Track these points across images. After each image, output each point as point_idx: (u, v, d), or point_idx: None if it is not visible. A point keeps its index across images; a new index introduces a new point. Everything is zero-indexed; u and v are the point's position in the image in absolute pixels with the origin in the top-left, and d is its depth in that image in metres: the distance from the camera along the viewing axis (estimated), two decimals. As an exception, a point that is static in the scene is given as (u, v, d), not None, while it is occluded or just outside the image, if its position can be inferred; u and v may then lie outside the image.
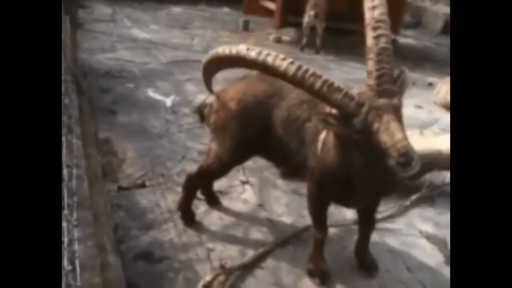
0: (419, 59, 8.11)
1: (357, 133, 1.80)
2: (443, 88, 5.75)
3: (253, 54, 1.84)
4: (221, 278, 2.45)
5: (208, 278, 2.38)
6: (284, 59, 1.79)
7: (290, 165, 2.57)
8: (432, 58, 8.42)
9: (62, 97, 2.62)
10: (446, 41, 10.10)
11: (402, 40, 9.21)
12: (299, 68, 1.77)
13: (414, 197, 3.38)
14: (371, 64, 1.81)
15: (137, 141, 3.95)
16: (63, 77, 3.13)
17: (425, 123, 4.97)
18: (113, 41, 7.08)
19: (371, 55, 1.80)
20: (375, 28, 1.81)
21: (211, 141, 2.77)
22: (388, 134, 1.69)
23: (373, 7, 1.83)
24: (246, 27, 8.89)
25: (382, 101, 1.76)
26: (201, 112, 2.77)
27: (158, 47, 7.05)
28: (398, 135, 1.68)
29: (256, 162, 3.44)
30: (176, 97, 5.06)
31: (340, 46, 7.73)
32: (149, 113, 4.58)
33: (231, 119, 2.53)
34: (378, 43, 1.79)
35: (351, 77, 6.27)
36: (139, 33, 7.75)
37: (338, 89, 1.77)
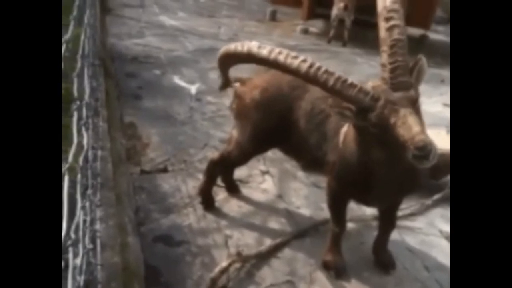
0: (449, 56, 7.92)
1: (374, 127, 1.77)
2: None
3: (264, 52, 1.83)
4: (237, 265, 2.48)
5: (224, 264, 2.41)
6: (295, 57, 1.77)
7: (309, 159, 2.56)
8: (463, 55, 8.19)
9: (90, 80, 2.67)
10: (478, 38, 9.82)
11: (433, 35, 9.00)
12: (311, 65, 1.75)
13: (436, 196, 3.32)
14: (384, 57, 1.77)
15: (161, 126, 4.00)
16: (91, 61, 3.19)
17: (452, 122, 4.86)
18: (141, 27, 7.16)
19: (385, 47, 1.77)
20: (387, 19, 1.76)
21: (233, 127, 2.79)
22: (405, 128, 1.66)
23: None
24: (273, 17, 8.84)
25: (398, 94, 1.73)
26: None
27: (185, 34, 7.09)
28: (415, 129, 1.64)
29: (276, 153, 3.44)
30: (201, 85, 5.09)
31: (368, 39, 7.61)
32: (174, 100, 4.63)
33: (253, 108, 2.54)
34: (392, 35, 1.75)
35: (377, 71, 6.16)
36: (167, 20, 7.80)
37: (352, 85, 1.74)
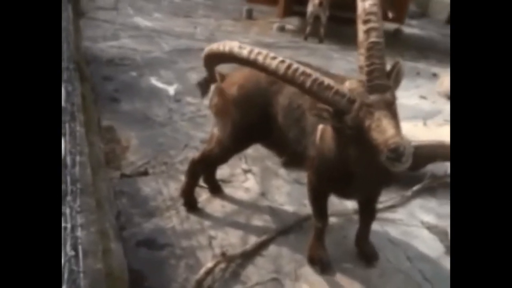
0: (424, 49, 8.05)
1: (350, 129, 1.80)
2: (447, 79, 5.71)
3: (244, 52, 1.85)
4: (222, 265, 2.47)
5: (209, 265, 2.40)
6: (274, 58, 1.79)
7: (290, 154, 2.58)
8: (437, 48, 8.35)
9: (65, 84, 2.62)
10: (451, 31, 10.02)
11: (407, 30, 9.13)
12: (289, 66, 1.77)
13: (416, 187, 3.38)
14: (362, 59, 1.80)
15: (140, 129, 3.96)
16: (66, 65, 3.13)
17: (429, 114, 4.95)
18: (116, 29, 7.05)
19: (362, 50, 1.79)
20: (365, 22, 1.79)
21: (214, 126, 2.79)
22: (379, 130, 1.69)
23: None
24: (249, 15, 8.83)
25: (374, 97, 1.75)
26: (201, 86, 2.75)
27: (161, 35, 7.02)
28: (390, 131, 1.67)
29: (258, 151, 3.45)
30: (179, 85, 5.05)
31: (344, 35, 7.67)
32: (152, 102, 4.58)
33: (232, 104, 2.54)
34: (369, 38, 1.77)
35: (355, 66, 6.22)
36: (142, 22, 7.71)
37: (329, 87, 1.77)
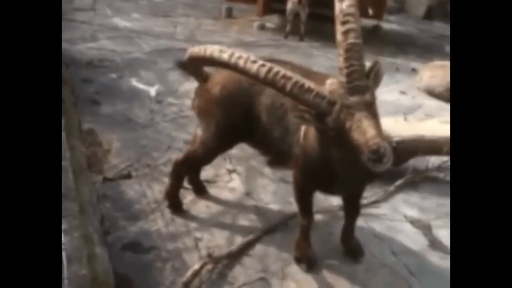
0: (403, 44, 8.15)
1: (331, 131, 1.82)
2: (425, 74, 5.80)
3: (225, 56, 1.85)
4: (209, 266, 2.46)
5: (196, 267, 2.39)
6: (254, 61, 1.80)
7: (275, 153, 2.59)
8: (415, 43, 8.47)
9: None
10: (429, 26, 10.18)
11: (386, 25, 9.23)
12: (269, 70, 1.78)
13: (398, 182, 3.42)
14: (341, 60, 1.81)
15: (122, 131, 3.91)
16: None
17: (409, 109, 5.02)
18: (94, 30, 6.95)
19: (341, 51, 1.81)
20: (343, 23, 1.80)
21: (197, 127, 2.77)
22: (360, 132, 1.71)
23: None
24: (229, 14, 8.81)
25: (354, 98, 1.77)
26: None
27: (140, 36, 6.95)
28: (370, 133, 1.69)
29: (243, 151, 3.45)
30: (160, 86, 5.00)
31: (325, 32, 7.71)
32: (133, 103, 4.53)
33: (215, 104, 2.53)
34: (347, 39, 1.79)
35: (335, 64, 6.25)
36: (121, 22, 7.62)
37: (309, 90, 1.78)
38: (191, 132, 3.69)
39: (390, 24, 9.79)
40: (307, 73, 2.37)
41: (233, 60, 1.82)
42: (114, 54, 5.96)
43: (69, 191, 2.49)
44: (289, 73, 1.79)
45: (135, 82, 5.09)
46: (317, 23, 7.84)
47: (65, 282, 1.87)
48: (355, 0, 1.82)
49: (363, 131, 1.70)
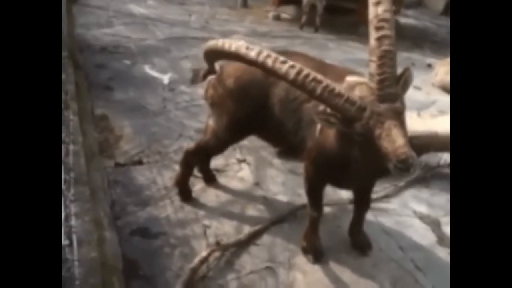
0: (419, 39, 8.05)
1: (358, 136, 1.80)
2: (441, 70, 5.73)
3: (252, 54, 1.81)
4: (217, 254, 2.49)
5: (204, 254, 2.41)
6: (284, 62, 1.77)
7: (287, 145, 2.58)
8: (432, 39, 8.36)
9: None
10: (446, 22, 10.01)
11: (403, 20, 9.12)
12: (299, 72, 1.75)
13: (409, 178, 3.40)
14: (373, 67, 1.78)
15: (134, 118, 3.94)
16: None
17: (423, 105, 4.97)
18: (109, 16, 6.99)
19: (374, 58, 1.77)
20: (378, 28, 1.76)
21: (209, 117, 2.78)
22: (389, 140, 1.70)
23: (377, 3, 1.77)
24: (244, 3, 8.78)
25: (384, 106, 1.75)
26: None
27: (155, 23, 6.96)
28: (399, 142, 1.69)
29: (253, 141, 3.45)
30: (173, 74, 5.02)
31: (340, 25, 7.65)
32: (146, 90, 4.56)
33: (229, 96, 2.52)
34: (381, 45, 1.75)
35: (350, 57, 6.23)
36: (136, 9, 7.64)
37: (339, 94, 1.75)
38: (203, 121, 3.71)
39: (407, 18, 9.66)
40: (324, 66, 2.36)
41: (261, 59, 1.79)
42: (128, 40, 5.99)
43: (80, 175, 2.52)
44: (319, 77, 1.76)
45: (148, 69, 5.11)
46: (333, 16, 7.77)
47: (75, 264, 1.90)
48: (391, 5, 1.77)
49: (392, 140, 1.69)
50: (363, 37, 7.48)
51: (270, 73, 1.82)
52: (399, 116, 1.77)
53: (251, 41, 6.51)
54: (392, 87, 1.77)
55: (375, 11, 1.77)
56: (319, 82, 1.75)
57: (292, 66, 1.75)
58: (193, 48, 5.89)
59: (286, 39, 6.94)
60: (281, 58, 1.78)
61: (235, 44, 1.87)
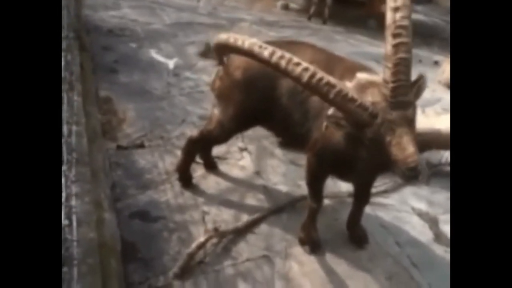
0: (427, 36, 7.97)
1: (368, 140, 1.81)
2: (448, 68, 5.68)
3: (266, 53, 1.79)
4: (214, 240, 2.51)
5: (201, 239, 2.43)
6: (297, 64, 1.76)
7: (291, 136, 2.58)
8: (440, 36, 8.27)
9: (65, 53, 2.60)
10: (456, 19, 9.90)
11: (412, 16, 9.00)
12: (312, 75, 1.74)
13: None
14: (387, 73, 1.76)
15: (138, 101, 3.94)
16: (66, 33, 3.09)
17: (428, 102, 4.94)
18: (117, -2, 6.94)
19: (389, 64, 1.75)
20: (395, 35, 1.74)
21: (214, 106, 2.77)
22: (399, 148, 1.71)
23: (396, 8, 1.74)
24: (253, -9, 8.70)
25: (396, 113, 1.75)
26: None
27: (162, 7, 6.91)
28: (410, 150, 1.70)
29: (255, 130, 3.44)
30: (179, 60, 5.00)
31: (348, 17, 7.58)
32: (151, 74, 4.55)
33: (236, 87, 2.52)
34: (397, 53, 1.73)
35: (357, 50, 6.18)
36: (144, -8, 7.58)
37: (352, 99, 1.75)
38: (206, 107, 3.71)
39: (416, 14, 9.54)
40: (332, 59, 2.35)
41: (274, 59, 1.78)
42: (135, 23, 5.96)
43: (82, 156, 2.53)
44: (332, 80, 1.76)
45: (154, 54, 5.10)
46: (342, 8, 7.70)
47: (74, 244, 1.92)
48: (410, 11, 1.75)
49: (403, 147, 1.71)
50: (371, 30, 7.46)
51: (283, 73, 1.81)
52: (410, 124, 1.78)
53: (258, 30, 6.49)
54: (405, 95, 1.77)
55: (393, 17, 1.75)
56: (333, 86, 1.75)
57: (306, 69, 1.75)
58: (200, 34, 5.86)
59: (294, 29, 6.89)
60: (295, 59, 1.77)
61: (248, 41, 1.86)
